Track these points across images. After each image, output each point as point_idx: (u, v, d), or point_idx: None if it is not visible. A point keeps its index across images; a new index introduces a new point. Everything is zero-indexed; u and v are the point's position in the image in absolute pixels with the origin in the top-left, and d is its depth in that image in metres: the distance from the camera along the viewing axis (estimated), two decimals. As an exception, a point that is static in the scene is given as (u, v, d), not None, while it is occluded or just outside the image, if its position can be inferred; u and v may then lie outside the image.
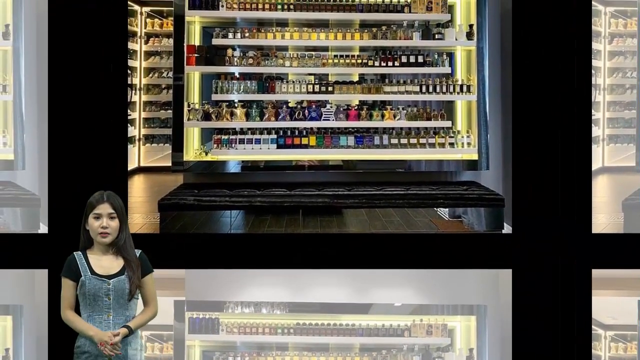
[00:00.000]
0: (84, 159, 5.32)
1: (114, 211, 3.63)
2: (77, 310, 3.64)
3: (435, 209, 6.05)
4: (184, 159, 6.11)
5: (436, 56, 6.38)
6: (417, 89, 6.31)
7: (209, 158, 6.23)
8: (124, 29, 5.62)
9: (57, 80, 5.39)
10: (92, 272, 3.59)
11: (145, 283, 3.70)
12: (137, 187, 6.24)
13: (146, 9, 8.05)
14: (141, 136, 7.85)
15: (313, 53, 6.38)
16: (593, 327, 5.57)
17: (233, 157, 6.23)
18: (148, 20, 8.11)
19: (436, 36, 6.33)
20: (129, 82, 6.04)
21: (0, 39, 5.76)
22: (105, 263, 3.63)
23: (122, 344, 3.55)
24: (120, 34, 5.55)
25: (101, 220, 3.60)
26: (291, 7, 6.24)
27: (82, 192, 3.90)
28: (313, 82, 6.34)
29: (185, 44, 6.20)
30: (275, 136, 6.24)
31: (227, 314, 6.00)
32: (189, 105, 6.20)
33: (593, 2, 5.55)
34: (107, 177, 5.21)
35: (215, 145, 6.22)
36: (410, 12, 6.29)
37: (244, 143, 6.21)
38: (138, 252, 3.75)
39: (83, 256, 3.65)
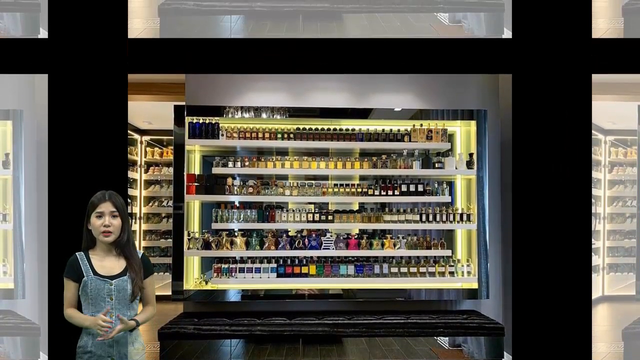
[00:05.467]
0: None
1: (116, 209, 3.82)
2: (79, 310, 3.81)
3: (435, 337, 6.30)
4: (184, 288, 6.38)
5: (436, 185, 6.76)
6: (417, 217, 6.67)
7: (209, 287, 6.53)
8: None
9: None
10: (95, 272, 3.77)
11: (146, 284, 3.91)
12: (137, 316, 6.53)
13: (146, 138, 8.61)
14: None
15: (313, 182, 6.77)
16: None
17: (233, 286, 6.54)
18: (148, 149, 8.67)
19: (436, 165, 6.72)
20: (129, 210, 6.39)
21: (0, 168, 6.06)
22: (107, 263, 3.82)
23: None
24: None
25: (104, 219, 3.79)
26: (291, 136, 6.67)
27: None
28: (313, 210, 6.72)
29: (185, 173, 6.52)
30: (275, 265, 6.58)
31: None
32: (189, 234, 6.54)
33: (593, 131, 5.86)
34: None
35: (216, 274, 6.55)
36: (410, 141, 6.73)
37: (244, 272, 6.55)
38: (140, 253, 3.93)
39: (85, 256, 3.82)
